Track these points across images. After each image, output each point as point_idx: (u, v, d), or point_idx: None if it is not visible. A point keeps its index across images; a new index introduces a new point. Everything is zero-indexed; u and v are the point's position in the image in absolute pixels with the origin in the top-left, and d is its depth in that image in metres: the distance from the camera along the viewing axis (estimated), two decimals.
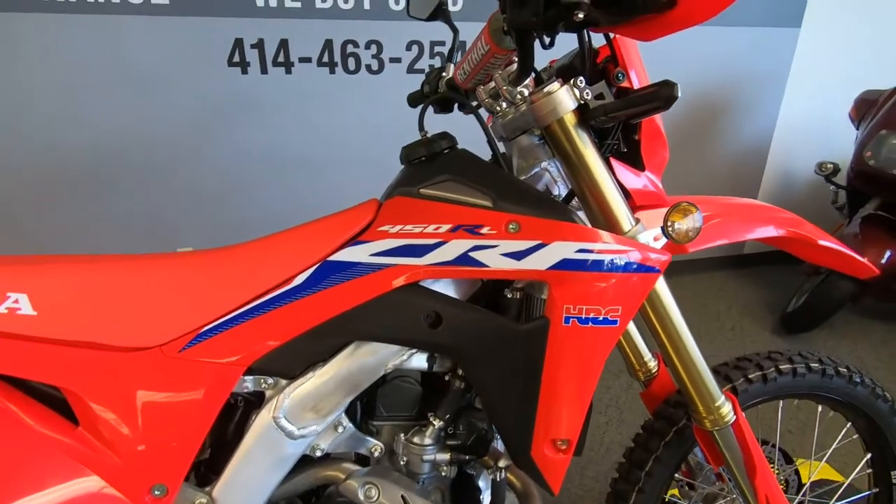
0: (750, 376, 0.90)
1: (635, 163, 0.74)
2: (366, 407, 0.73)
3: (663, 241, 0.71)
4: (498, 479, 0.74)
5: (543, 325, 0.63)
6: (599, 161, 0.66)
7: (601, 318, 0.63)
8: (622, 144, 0.75)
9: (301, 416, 0.64)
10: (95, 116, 1.89)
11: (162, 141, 1.98)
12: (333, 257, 0.64)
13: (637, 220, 0.69)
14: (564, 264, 0.62)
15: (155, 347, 0.62)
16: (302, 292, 0.64)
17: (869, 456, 1.03)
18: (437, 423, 0.70)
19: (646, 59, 0.73)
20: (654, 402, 0.97)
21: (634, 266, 0.63)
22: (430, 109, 0.83)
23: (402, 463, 0.71)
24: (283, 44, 1.97)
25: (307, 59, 2.01)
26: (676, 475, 0.98)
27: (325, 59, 2.03)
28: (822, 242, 0.83)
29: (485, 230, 0.63)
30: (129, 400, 0.62)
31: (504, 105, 0.67)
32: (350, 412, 0.71)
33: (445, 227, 0.63)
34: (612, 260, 0.62)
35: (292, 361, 0.64)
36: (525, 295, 0.67)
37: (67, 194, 1.96)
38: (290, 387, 0.64)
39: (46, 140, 1.88)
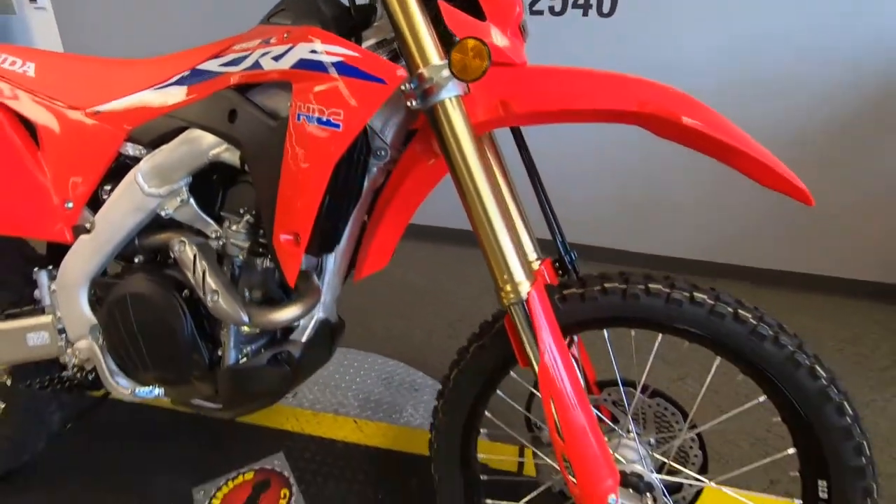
0: (607, 286, 0.79)
1: (478, 13, 0.73)
2: (224, 198, 0.90)
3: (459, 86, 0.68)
4: (259, 265, 0.84)
5: (285, 121, 0.71)
6: None
7: (325, 119, 0.68)
8: None
9: (151, 178, 0.85)
10: None
11: None
12: (200, 66, 0.83)
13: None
14: (301, 64, 0.69)
15: (82, 108, 0.90)
16: (171, 87, 0.84)
17: (794, 451, 0.79)
18: (246, 217, 0.83)
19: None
20: None
21: (357, 72, 0.66)
22: None
23: (220, 244, 0.87)
24: None
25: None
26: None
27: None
28: (686, 120, 0.61)
29: (272, 40, 0.74)
30: (62, 138, 0.91)
31: None
32: (209, 196, 0.88)
33: (257, 42, 0.76)
34: (336, 62, 0.68)
35: (152, 135, 0.85)
36: None
37: None
38: (149, 154, 0.85)
39: None
